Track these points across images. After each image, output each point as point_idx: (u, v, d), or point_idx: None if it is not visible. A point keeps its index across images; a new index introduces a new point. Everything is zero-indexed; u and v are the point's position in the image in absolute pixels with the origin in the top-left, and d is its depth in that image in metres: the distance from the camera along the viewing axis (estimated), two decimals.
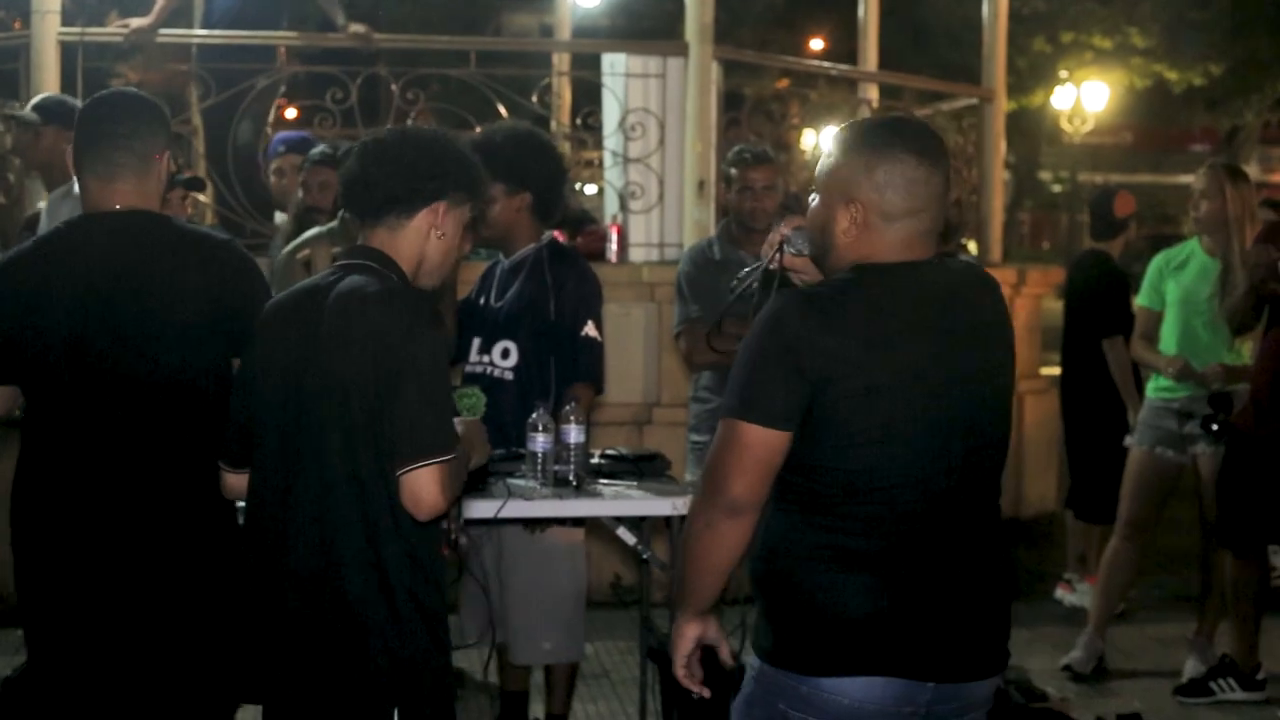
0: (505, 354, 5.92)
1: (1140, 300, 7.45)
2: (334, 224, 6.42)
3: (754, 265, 3.76)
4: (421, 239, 3.91)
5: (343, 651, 3.76)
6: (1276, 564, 8.57)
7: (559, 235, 6.36)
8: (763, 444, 3.32)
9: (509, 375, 5.90)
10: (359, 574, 3.75)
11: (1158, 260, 7.44)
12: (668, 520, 5.42)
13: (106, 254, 4.24)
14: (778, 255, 3.66)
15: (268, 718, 3.96)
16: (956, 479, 3.39)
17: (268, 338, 3.91)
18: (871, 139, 3.46)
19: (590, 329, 5.90)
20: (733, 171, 6.77)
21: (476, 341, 6.01)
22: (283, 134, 8.11)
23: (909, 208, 3.41)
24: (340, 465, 3.72)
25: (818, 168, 3.53)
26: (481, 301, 6.08)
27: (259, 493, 3.89)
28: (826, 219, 3.46)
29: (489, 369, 5.94)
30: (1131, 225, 8.15)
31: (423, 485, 3.66)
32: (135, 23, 8.64)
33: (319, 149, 7.02)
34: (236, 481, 4.02)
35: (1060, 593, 8.68)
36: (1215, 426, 7.04)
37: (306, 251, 6.31)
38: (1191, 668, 7.23)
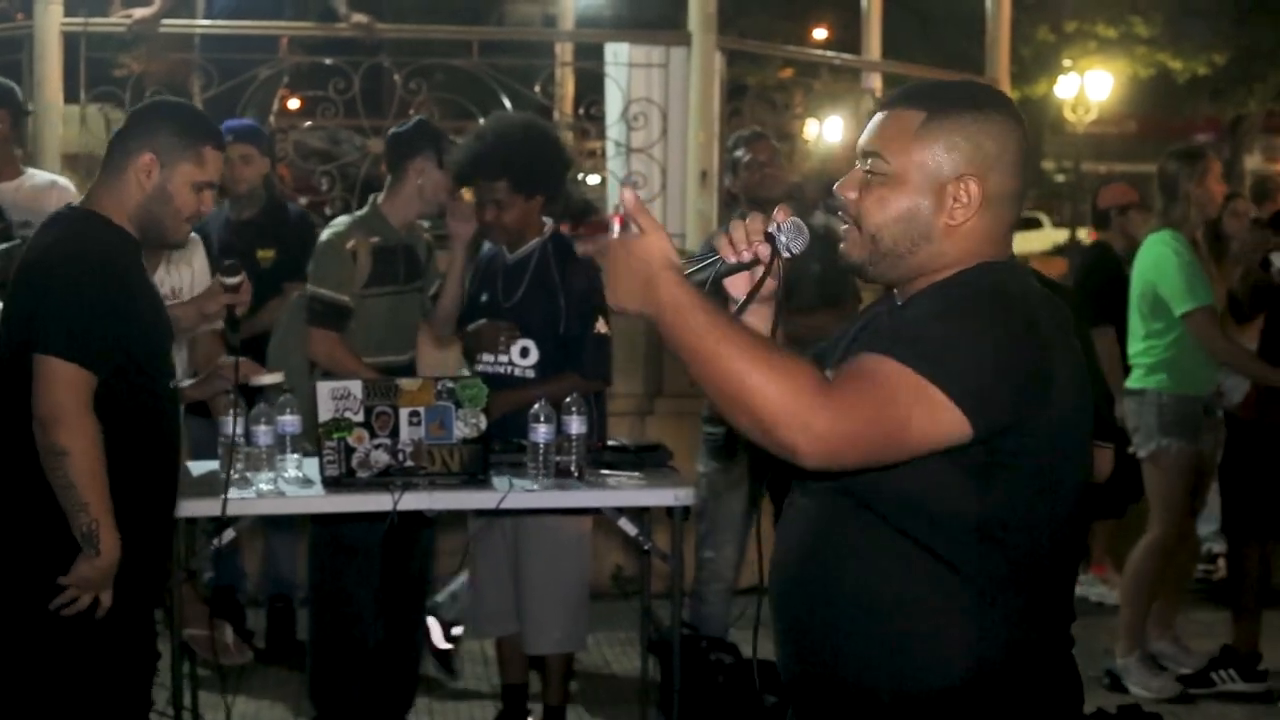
0: (525, 353, 5.88)
1: (1202, 300, 6.66)
2: (364, 211, 6.25)
3: (710, 259, 2.76)
4: None
5: None
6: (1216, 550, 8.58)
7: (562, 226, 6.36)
8: None
9: (531, 374, 5.89)
10: None
11: (1187, 254, 6.72)
12: (669, 511, 5.39)
13: None
14: (769, 257, 2.76)
15: None
16: None
17: None
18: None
19: (601, 325, 5.88)
20: (738, 154, 6.82)
21: None
22: (230, 121, 8.01)
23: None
24: None
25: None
26: (484, 299, 6.02)
27: None
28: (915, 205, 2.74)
29: (509, 369, 5.90)
30: (1123, 216, 7.82)
31: None
32: (138, 13, 8.64)
33: None
34: None
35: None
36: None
37: (353, 242, 6.04)
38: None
